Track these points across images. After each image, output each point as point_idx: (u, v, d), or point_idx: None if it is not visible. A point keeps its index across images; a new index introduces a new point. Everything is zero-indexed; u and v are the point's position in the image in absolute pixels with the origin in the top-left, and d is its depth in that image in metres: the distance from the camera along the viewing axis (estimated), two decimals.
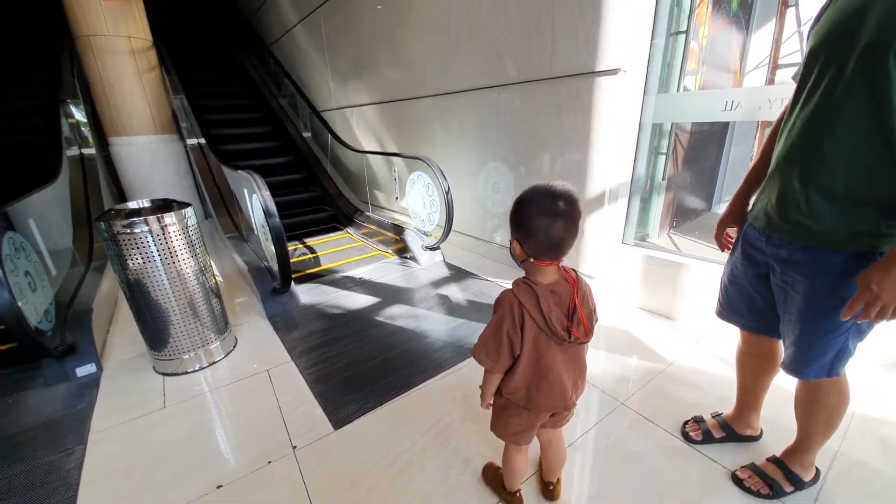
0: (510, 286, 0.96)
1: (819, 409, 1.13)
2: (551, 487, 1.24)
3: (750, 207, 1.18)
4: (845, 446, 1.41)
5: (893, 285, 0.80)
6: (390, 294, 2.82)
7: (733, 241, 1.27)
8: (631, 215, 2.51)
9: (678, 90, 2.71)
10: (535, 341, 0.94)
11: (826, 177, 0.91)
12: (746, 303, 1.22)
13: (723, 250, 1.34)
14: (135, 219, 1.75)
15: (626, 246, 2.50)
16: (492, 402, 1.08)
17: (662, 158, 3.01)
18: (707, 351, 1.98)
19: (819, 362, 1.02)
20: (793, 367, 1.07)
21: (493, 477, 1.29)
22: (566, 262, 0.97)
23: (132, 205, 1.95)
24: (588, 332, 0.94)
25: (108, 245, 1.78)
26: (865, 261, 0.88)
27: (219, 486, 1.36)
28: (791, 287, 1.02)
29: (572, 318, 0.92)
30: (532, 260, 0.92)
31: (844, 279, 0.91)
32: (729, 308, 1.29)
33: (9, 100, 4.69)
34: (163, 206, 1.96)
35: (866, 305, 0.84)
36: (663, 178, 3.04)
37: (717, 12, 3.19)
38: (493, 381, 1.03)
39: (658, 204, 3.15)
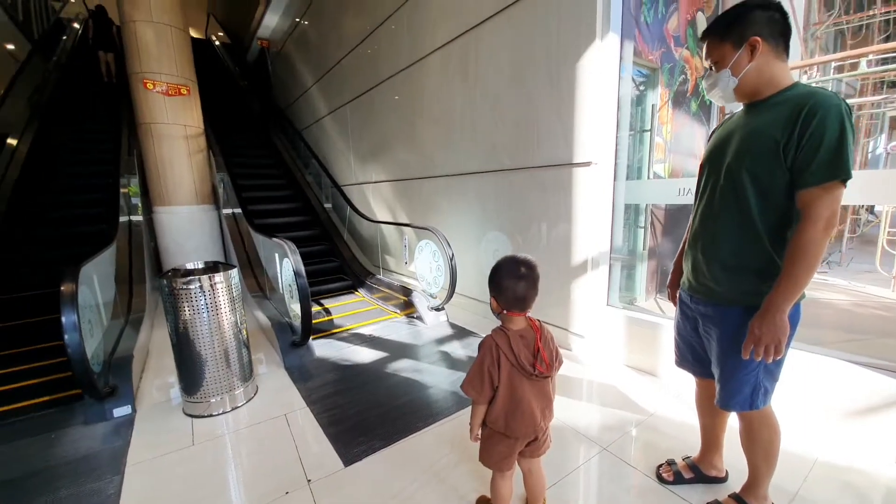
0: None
1: (756, 443, 1.35)
2: None
3: None
4: (804, 489, 1.57)
5: (768, 329, 1.10)
6: (397, 350, 3.07)
7: None
8: (613, 280, 2.83)
9: (649, 177, 3.21)
10: (509, 376, 1.22)
11: (718, 252, 1.26)
12: (691, 351, 1.49)
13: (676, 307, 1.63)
14: (191, 277, 2.12)
15: (611, 308, 2.79)
16: (479, 433, 1.33)
17: (641, 231, 3.42)
18: (685, 403, 2.17)
19: (739, 397, 1.27)
20: (721, 402, 1.32)
21: None
22: (543, 317, 1.28)
23: (188, 265, 2.35)
24: (549, 368, 1.22)
25: (166, 298, 2.13)
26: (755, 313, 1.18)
27: None
28: (709, 335, 1.32)
29: (536, 356, 1.21)
30: (505, 312, 1.24)
31: (743, 328, 1.20)
32: (681, 358, 1.56)
33: (85, 172, 5.42)
34: (213, 267, 2.35)
35: (754, 346, 1.13)
36: (644, 249, 3.42)
37: (678, 112, 3.81)
38: (478, 412, 1.28)
39: (642, 271, 3.50)
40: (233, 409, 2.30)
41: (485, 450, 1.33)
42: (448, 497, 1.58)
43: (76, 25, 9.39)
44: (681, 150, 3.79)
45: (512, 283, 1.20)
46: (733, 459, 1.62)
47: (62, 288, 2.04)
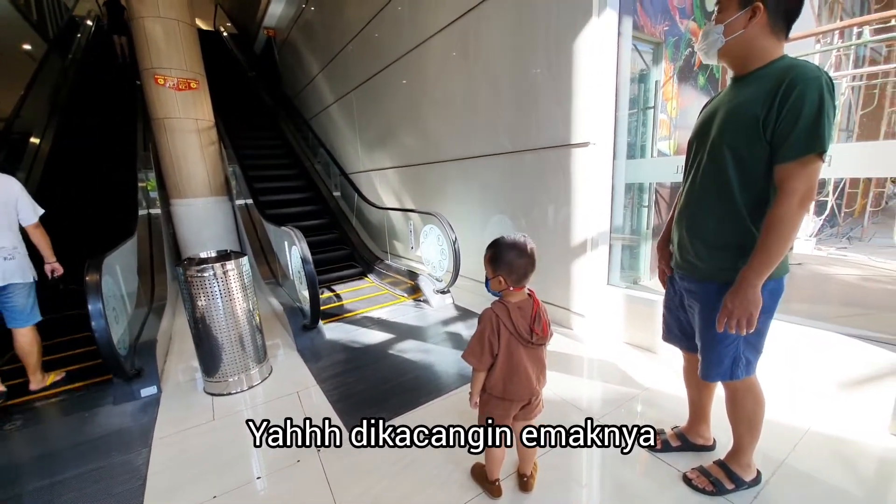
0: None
1: (740, 412, 1.40)
2: (525, 479, 1.50)
3: None
4: (792, 457, 1.62)
5: (739, 303, 1.13)
6: (404, 332, 3.18)
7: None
8: (613, 260, 2.85)
9: (652, 154, 3.18)
10: (508, 344, 1.29)
11: (700, 229, 1.29)
12: (678, 326, 1.54)
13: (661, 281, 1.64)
14: (204, 265, 2.24)
15: (612, 287, 2.82)
16: (478, 400, 1.41)
17: (645, 210, 3.40)
18: (680, 378, 2.21)
19: (718, 368, 1.31)
20: (702, 373, 1.37)
21: (479, 473, 1.57)
22: (545, 297, 1.34)
23: (202, 254, 2.47)
24: (545, 336, 1.29)
25: (182, 286, 2.27)
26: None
27: (258, 477, 1.69)
28: (692, 310, 1.36)
29: (534, 324, 1.28)
30: (511, 288, 1.30)
31: (721, 303, 1.23)
32: (668, 332, 1.60)
33: (104, 169, 5.65)
34: (225, 255, 2.47)
35: (727, 319, 1.16)
36: (648, 228, 3.41)
37: (685, 87, 3.72)
38: (478, 379, 1.37)
39: (646, 250, 3.49)
40: (249, 388, 2.45)
41: (482, 413, 1.42)
42: (446, 463, 1.68)
43: (89, 23, 9.57)
44: (688, 125, 3.71)
45: (521, 259, 1.27)
46: (724, 428, 1.67)
47: (87, 278, 2.19)
